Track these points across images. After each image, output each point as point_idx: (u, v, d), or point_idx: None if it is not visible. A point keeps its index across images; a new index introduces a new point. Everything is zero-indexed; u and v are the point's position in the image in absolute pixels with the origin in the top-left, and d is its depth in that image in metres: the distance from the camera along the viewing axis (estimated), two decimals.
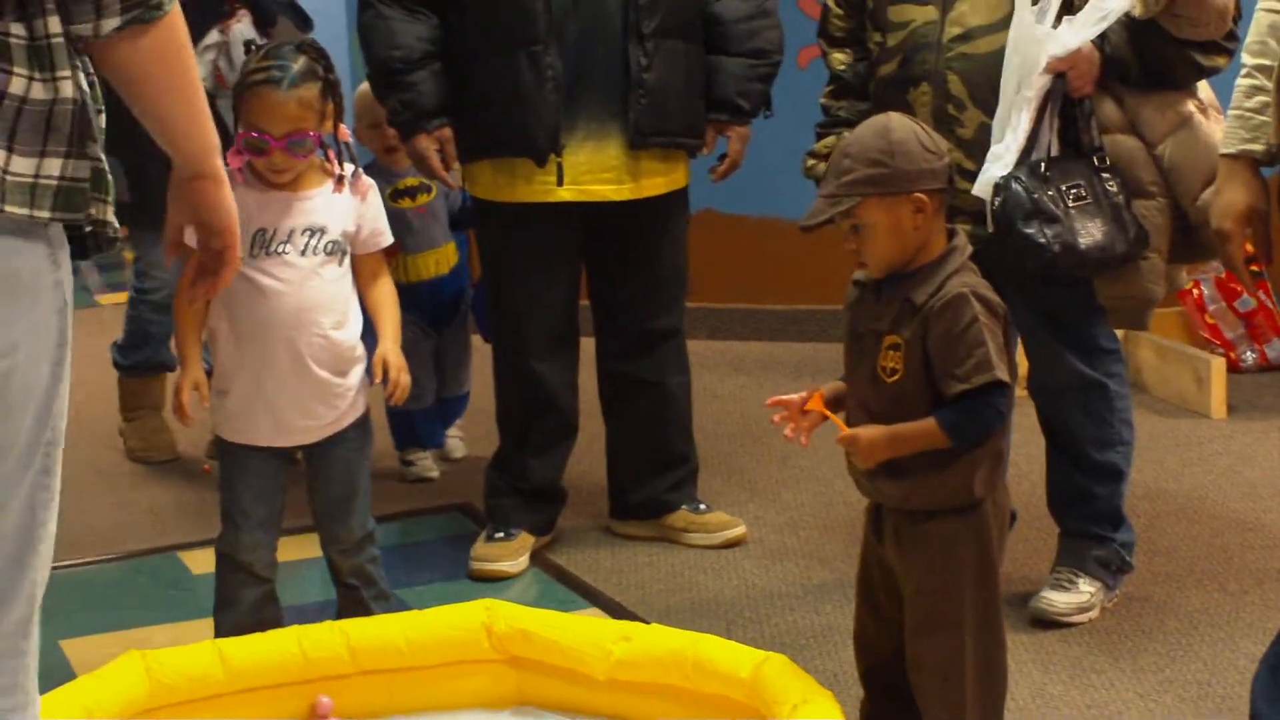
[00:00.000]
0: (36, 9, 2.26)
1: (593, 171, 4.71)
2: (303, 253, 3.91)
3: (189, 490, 5.73)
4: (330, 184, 3.97)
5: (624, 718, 3.76)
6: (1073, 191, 4.05)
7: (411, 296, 5.30)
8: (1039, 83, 4.07)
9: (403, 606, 4.19)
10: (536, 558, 4.91)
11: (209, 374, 4.03)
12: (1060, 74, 4.05)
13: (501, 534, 4.90)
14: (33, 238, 2.29)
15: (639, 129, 4.70)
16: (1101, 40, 4.08)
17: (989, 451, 3.28)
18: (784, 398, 3.39)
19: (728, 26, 4.86)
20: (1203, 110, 4.15)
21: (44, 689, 3.74)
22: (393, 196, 5.32)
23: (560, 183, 4.70)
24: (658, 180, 4.81)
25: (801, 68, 6.26)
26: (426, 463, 5.71)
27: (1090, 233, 4.03)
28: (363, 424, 4.07)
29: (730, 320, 7.24)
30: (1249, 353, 6.33)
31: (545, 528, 5.01)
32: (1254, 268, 3.55)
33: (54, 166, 2.29)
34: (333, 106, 3.94)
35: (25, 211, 2.25)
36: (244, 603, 4.01)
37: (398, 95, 4.73)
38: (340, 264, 3.96)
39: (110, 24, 2.33)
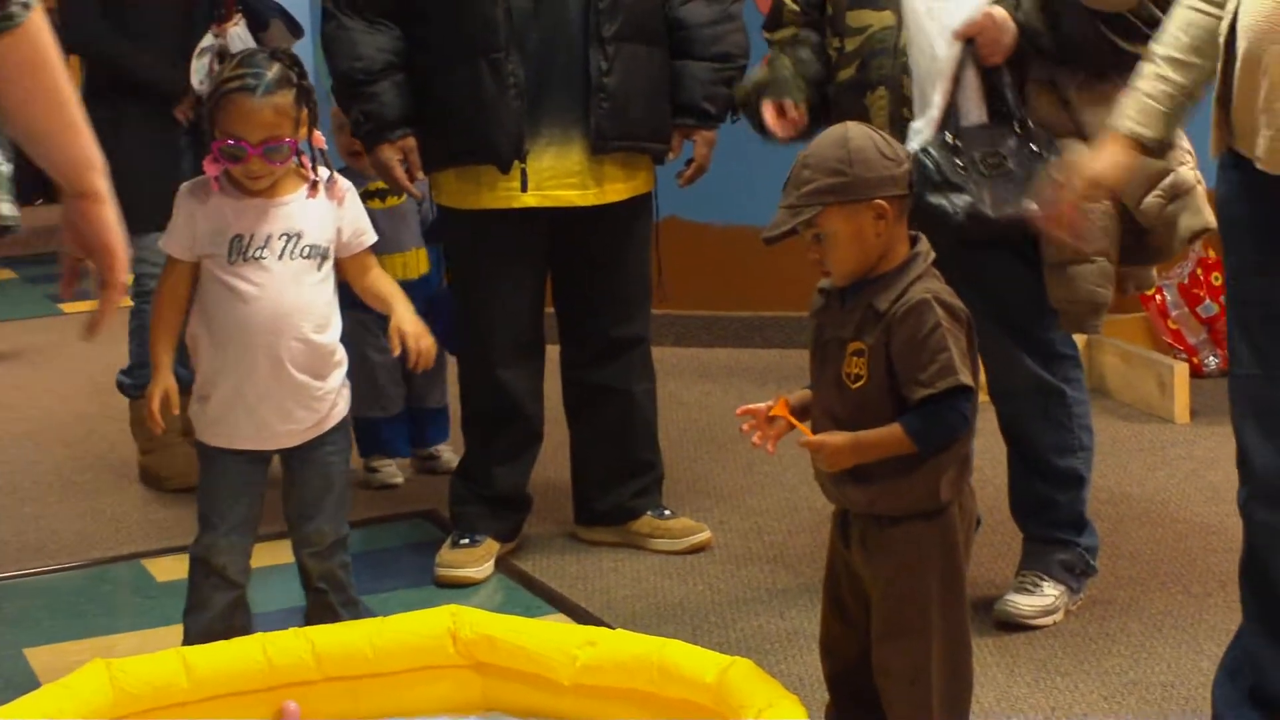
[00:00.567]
0: None
1: (557, 177, 4.72)
2: (280, 257, 3.91)
3: (154, 498, 5.72)
4: (306, 189, 3.97)
5: None
6: (990, 160, 4.07)
7: None
8: (949, 52, 4.10)
9: (368, 613, 4.19)
10: (501, 564, 4.91)
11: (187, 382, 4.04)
12: (971, 41, 4.08)
13: (467, 540, 4.90)
14: None
15: (600, 133, 4.70)
16: (1016, 8, 4.10)
17: (955, 456, 3.29)
18: (752, 406, 3.39)
19: (692, 31, 4.87)
20: None
21: (8, 697, 3.76)
22: (362, 197, 5.32)
23: (524, 189, 4.71)
24: (621, 185, 4.82)
25: None
26: (390, 469, 5.71)
27: (1007, 199, 4.05)
28: (343, 427, 4.07)
29: (695, 327, 7.25)
30: (1211, 358, 6.35)
31: (510, 534, 5.01)
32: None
33: None
34: (307, 113, 3.95)
35: None
36: (215, 607, 4.01)
37: (360, 106, 4.73)
38: (320, 269, 3.97)
39: None
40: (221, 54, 5.44)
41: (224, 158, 3.89)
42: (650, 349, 5.10)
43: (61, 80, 2.47)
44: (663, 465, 5.15)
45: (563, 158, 4.71)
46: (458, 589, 4.76)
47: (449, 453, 5.77)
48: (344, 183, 4.05)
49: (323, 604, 4.07)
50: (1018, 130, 4.11)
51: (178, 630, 4.15)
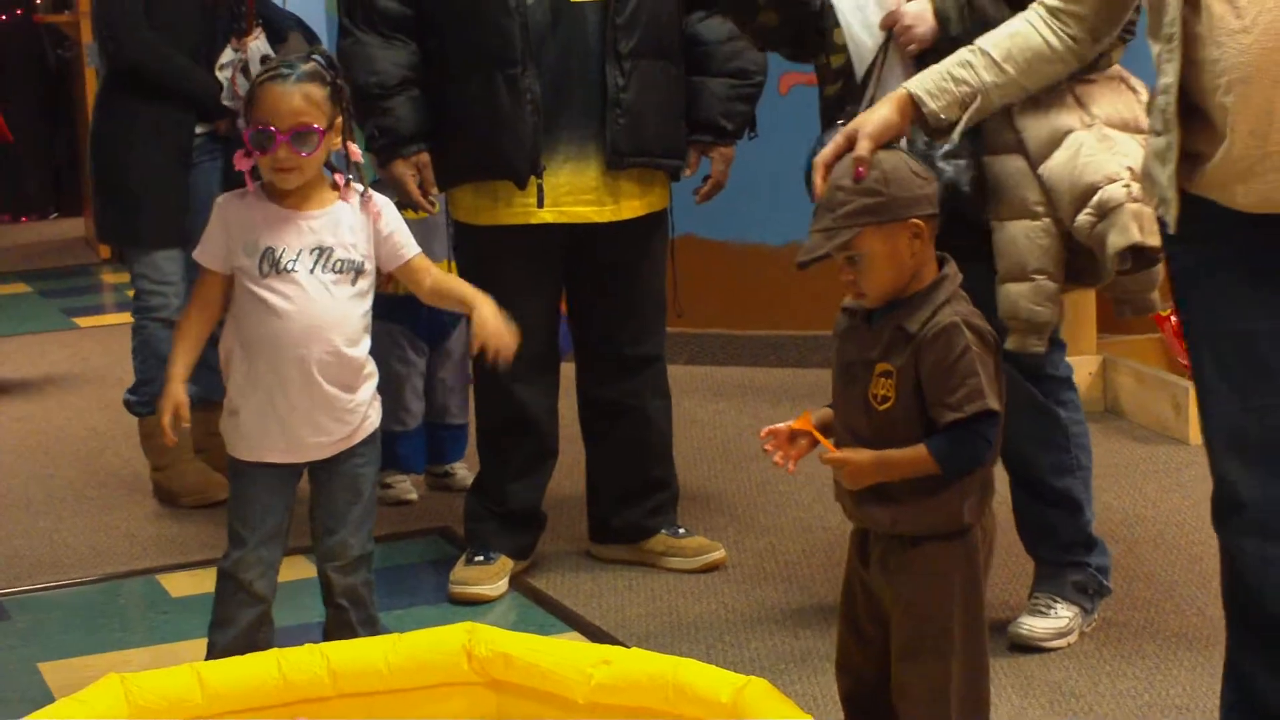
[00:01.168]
0: None
1: (573, 193, 4.72)
2: (311, 271, 3.91)
3: (167, 513, 5.72)
4: (339, 203, 3.97)
5: None
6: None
7: (403, 309, 5.32)
8: (870, 43, 4.14)
9: (383, 630, 4.19)
10: (516, 581, 4.91)
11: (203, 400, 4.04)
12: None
13: (481, 558, 4.90)
14: None
15: (617, 149, 4.71)
16: None
17: (978, 479, 3.27)
18: (775, 427, 3.37)
19: (710, 47, 4.88)
20: (1089, 125, 4.14)
21: (22, 711, 3.76)
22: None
23: (540, 205, 4.71)
24: (637, 202, 4.82)
25: (782, 94, 6.28)
26: (404, 485, 5.71)
27: None
28: (373, 441, 4.06)
29: (710, 345, 7.24)
30: None
31: (525, 552, 5.01)
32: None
33: None
34: (341, 120, 3.94)
35: None
36: (240, 623, 4.00)
37: (375, 121, 4.74)
38: (353, 283, 3.95)
39: None
40: (243, 67, 5.46)
41: (254, 145, 3.88)
42: (665, 366, 5.10)
43: None
44: (677, 483, 5.14)
45: (579, 174, 4.72)
46: (472, 606, 4.76)
47: (464, 470, 5.77)
48: (379, 199, 4.04)
49: (342, 621, 4.06)
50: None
51: (191, 645, 4.15)
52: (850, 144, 3.27)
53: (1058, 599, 4.34)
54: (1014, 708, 3.98)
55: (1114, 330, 6.39)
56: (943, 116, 3.36)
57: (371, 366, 4.02)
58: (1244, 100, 3.08)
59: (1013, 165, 4.14)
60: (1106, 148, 4.10)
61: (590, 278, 4.93)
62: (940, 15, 4.13)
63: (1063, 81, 3.76)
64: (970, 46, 3.41)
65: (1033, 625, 4.30)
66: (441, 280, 4.12)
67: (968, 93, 3.35)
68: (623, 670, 3.74)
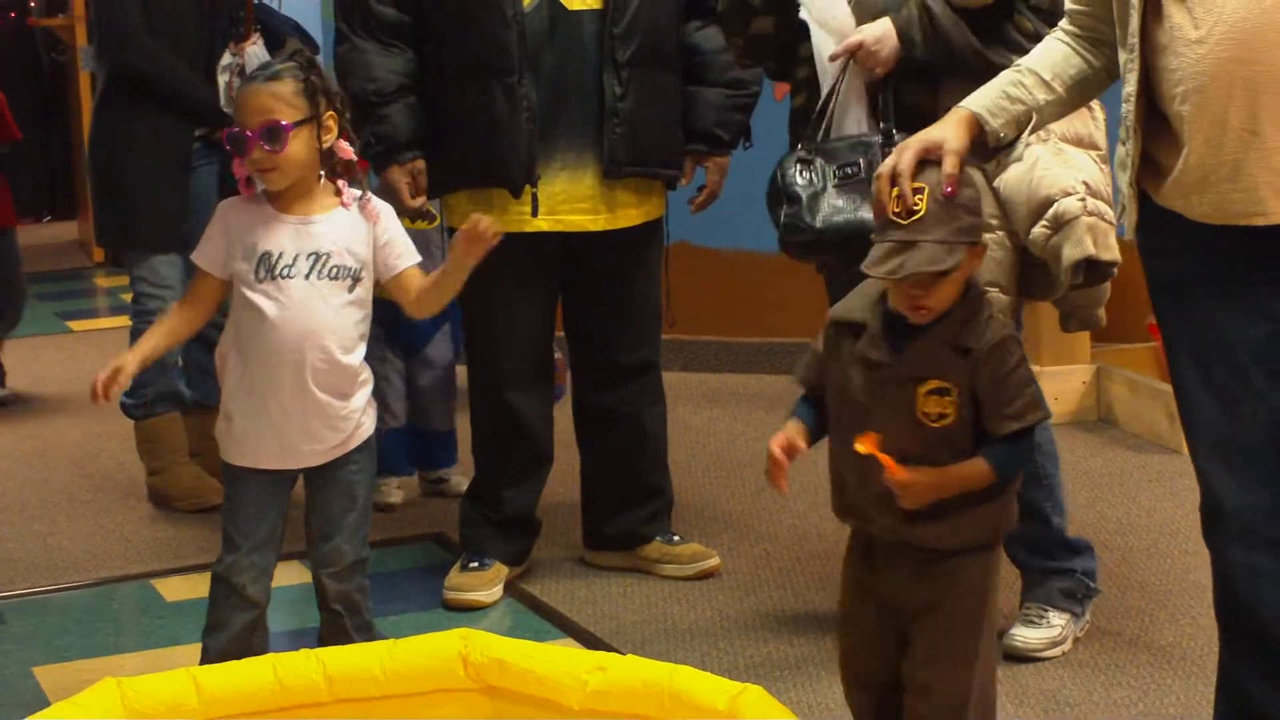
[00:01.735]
0: None
1: (569, 202, 4.73)
2: (307, 277, 3.91)
3: (162, 517, 5.73)
4: (338, 209, 3.96)
5: None
6: (843, 170, 4.09)
7: (381, 308, 5.32)
8: (833, 68, 4.16)
9: (378, 635, 4.19)
10: (511, 588, 4.92)
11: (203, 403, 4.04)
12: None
13: (476, 564, 4.90)
14: None
15: (614, 159, 4.71)
16: (898, 15, 4.12)
17: (1014, 489, 3.32)
18: (785, 446, 3.39)
19: (707, 56, 4.89)
20: (1045, 140, 4.14)
21: (18, 715, 3.77)
22: None
23: (536, 213, 4.72)
24: (633, 211, 4.82)
25: (777, 100, 6.28)
26: (388, 487, 5.69)
27: (843, 210, 4.08)
28: (368, 447, 4.07)
29: (705, 352, 7.25)
30: None
31: (519, 558, 5.02)
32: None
33: None
34: (333, 120, 3.93)
35: None
36: (234, 627, 4.00)
37: (372, 127, 4.73)
38: (350, 290, 3.95)
39: None
40: (240, 72, 5.47)
41: (230, 146, 3.88)
42: (660, 374, 5.10)
43: None
44: (672, 490, 5.15)
45: (575, 182, 4.72)
46: (467, 612, 4.76)
47: (458, 476, 5.77)
48: (379, 203, 4.03)
49: (337, 626, 4.07)
50: (884, 141, 4.11)
51: (186, 650, 4.15)
52: (925, 158, 3.25)
53: (1048, 608, 4.35)
54: (1009, 716, 3.99)
55: (1108, 339, 6.39)
56: (1002, 135, 3.37)
57: (367, 374, 4.02)
58: (1199, 109, 3.11)
59: (968, 176, 4.14)
60: (1062, 162, 4.13)
61: (586, 286, 4.94)
62: (904, 37, 4.13)
63: None
64: (1015, 66, 3.42)
65: (1026, 636, 4.31)
66: (421, 288, 4.06)
67: (1023, 111, 3.36)
68: (618, 677, 3.74)
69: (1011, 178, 4.13)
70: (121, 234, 5.83)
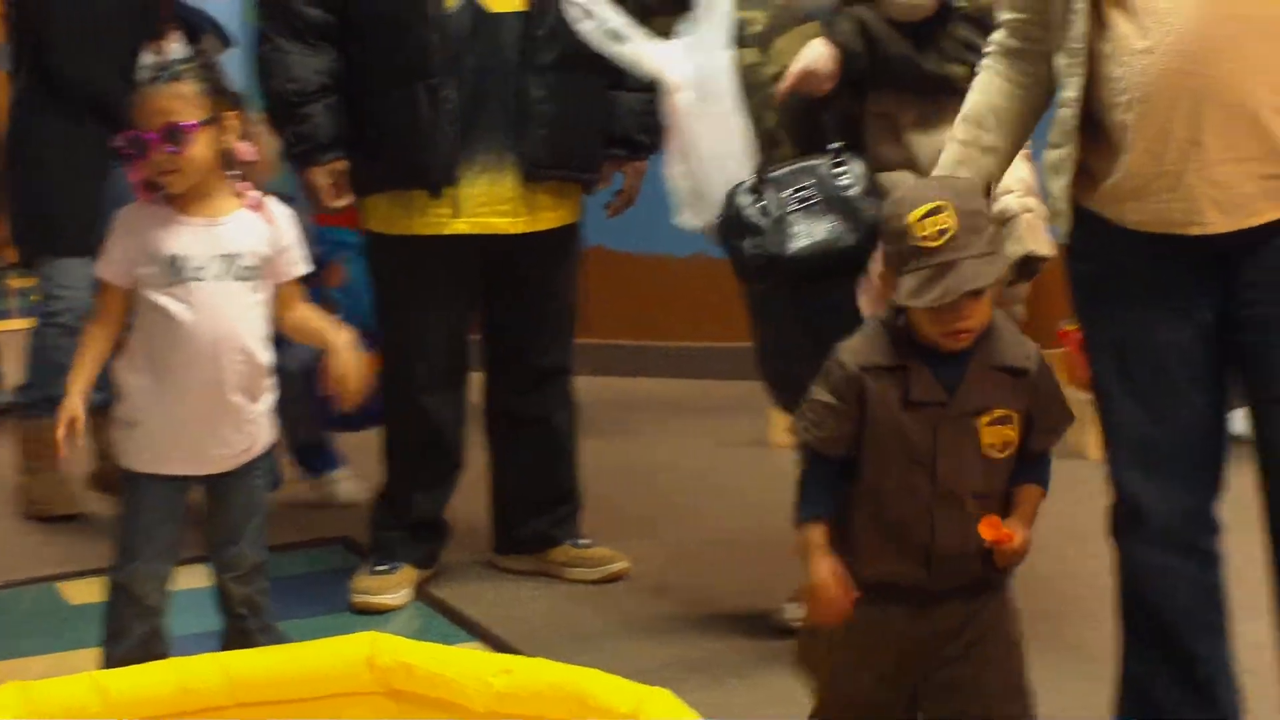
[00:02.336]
0: None
1: (489, 204, 4.72)
2: (218, 278, 3.87)
3: (64, 521, 5.68)
4: (241, 211, 3.93)
5: None
6: (798, 195, 4.10)
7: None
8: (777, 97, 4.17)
9: (285, 639, 4.17)
10: (419, 591, 4.91)
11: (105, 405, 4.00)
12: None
13: (384, 567, 4.89)
14: None
15: (535, 161, 4.71)
16: (837, 32, 4.14)
17: None
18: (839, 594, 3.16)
19: None
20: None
21: None
22: None
23: (456, 215, 4.71)
24: (552, 214, 4.82)
25: None
26: (332, 484, 5.71)
27: (809, 234, 4.07)
28: (269, 455, 4.05)
29: (616, 356, 7.25)
30: None
31: (428, 561, 5.01)
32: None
33: None
34: (233, 121, 3.89)
35: None
36: (134, 635, 3.97)
37: (293, 127, 4.72)
38: (256, 291, 3.92)
39: None
40: None
41: (128, 150, 3.81)
42: (572, 378, 5.10)
43: None
44: (581, 494, 5.15)
45: (495, 184, 4.71)
46: (374, 616, 4.75)
47: (347, 481, 5.77)
48: (279, 207, 4.00)
49: (241, 629, 4.05)
50: (831, 160, 4.14)
51: (91, 654, 4.11)
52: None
53: None
54: None
55: None
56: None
57: (274, 378, 4.00)
58: (1143, 119, 3.12)
59: (905, 180, 4.17)
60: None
61: (503, 289, 4.93)
62: (847, 52, 4.13)
63: (948, 104, 3.80)
64: (953, 135, 3.42)
65: None
66: (305, 314, 4.03)
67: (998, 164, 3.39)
68: (524, 680, 3.73)
69: None
70: (36, 236, 5.78)
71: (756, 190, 4.13)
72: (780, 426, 5.51)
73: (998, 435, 3.11)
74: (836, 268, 4.01)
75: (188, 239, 3.87)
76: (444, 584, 5.00)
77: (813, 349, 3.99)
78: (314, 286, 4.41)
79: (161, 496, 3.95)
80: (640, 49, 4.34)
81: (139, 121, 3.82)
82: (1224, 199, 3.11)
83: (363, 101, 4.74)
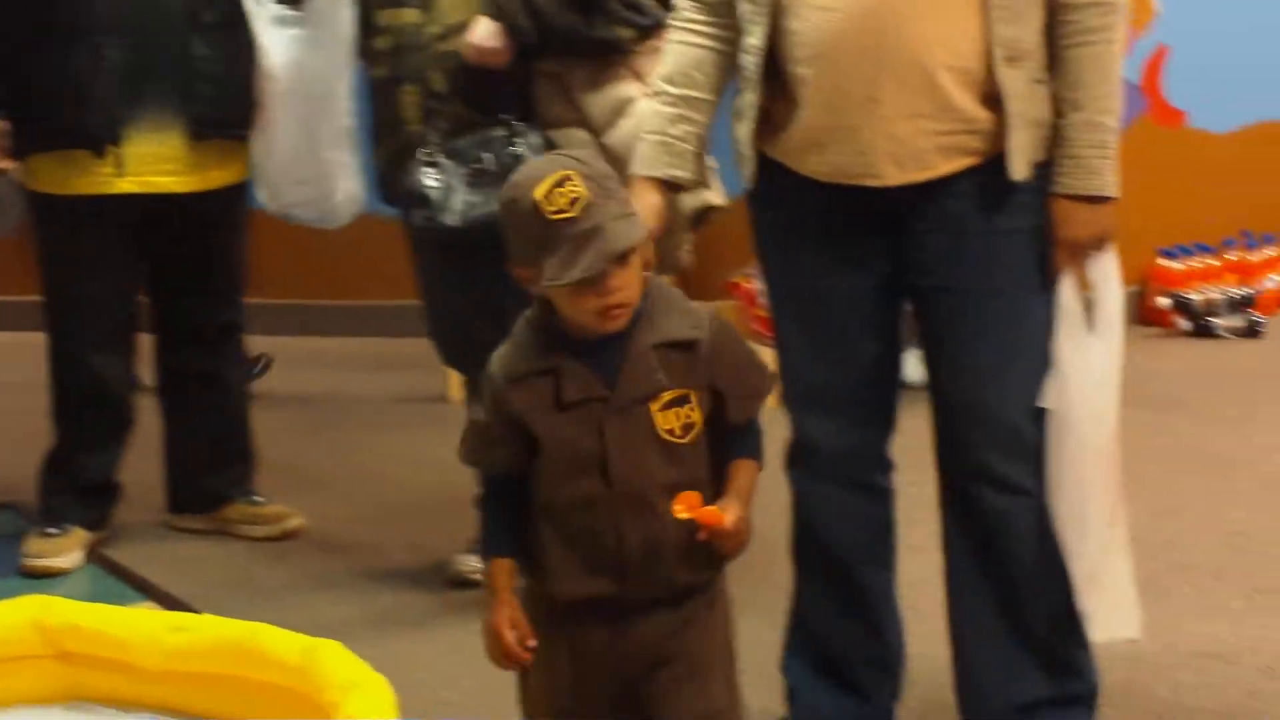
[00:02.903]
0: None
1: (154, 163, 4.69)
2: None
3: None
4: None
5: (177, 708, 3.75)
6: (473, 167, 4.18)
7: None
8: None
9: None
10: (92, 553, 4.88)
11: None
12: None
13: (55, 530, 4.85)
14: None
15: (200, 120, 4.69)
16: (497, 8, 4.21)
17: None
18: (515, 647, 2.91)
19: None
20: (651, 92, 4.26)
21: None
22: None
23: (121, 174, 4.67)
24: (219, 173, 4.81)
25: None
26: None
27: (475, 205, 4.15)
28: None
29: (287, 315, 7.23)
30: None
31: (100, 523, 4.98)
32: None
33: None
34: None
35: None
36: None
37: None
38: None
39: None
40: None
41: None
42: (244, 336, 5.11)
43: None
44: (256, 453, 5.16)
45: (160, 143, 4.68)
46: (46, 579, 4.71)
47: None
48: None
49: None
50: (507, 131, 4.21)
51: None
52: None
53: None
54: None
55: (690, 297, 6.53)
56: (696, 176, 3.40)
57: None
58: (821, 75, 3.19)
59: (576, 137, 4.23)
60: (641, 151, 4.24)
61: (171, 247, 4.91)
62: (512, 27, 4.18)
63: (617, 62, 3.86)
64: (657, 94, 3.40)
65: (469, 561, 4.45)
66: None
67: (701, 142, 3.39)
68: (195, 637, 3.74)
69: (623, 134, 4.17)
70: None
71: (434, 162, 4.18)
72: (458, 382, 5.56)
73: (675, 419, 2.84)
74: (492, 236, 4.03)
75: None
76: (118, 546, 4.97)
77: (490, 319, 3.94)
78: None
79: None
80: (262, 31, 4.54)
81: None
82: (900, 153, 3.21)
83: (21, 58, 4.67)
